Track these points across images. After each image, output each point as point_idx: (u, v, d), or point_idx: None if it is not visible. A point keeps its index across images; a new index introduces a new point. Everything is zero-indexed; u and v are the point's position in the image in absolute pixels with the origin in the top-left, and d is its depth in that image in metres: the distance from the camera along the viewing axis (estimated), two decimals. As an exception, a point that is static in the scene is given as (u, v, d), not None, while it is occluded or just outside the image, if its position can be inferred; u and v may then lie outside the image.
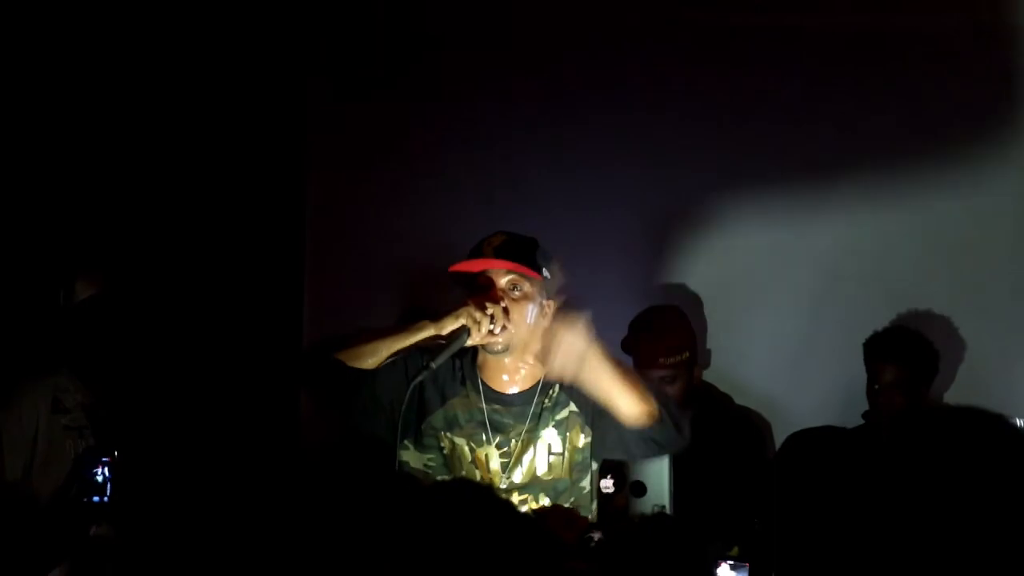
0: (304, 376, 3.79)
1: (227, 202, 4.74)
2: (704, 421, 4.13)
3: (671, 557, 3.16)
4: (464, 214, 4.46)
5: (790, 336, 4.54)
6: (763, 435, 4.35)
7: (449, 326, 3.27)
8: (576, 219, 4.41)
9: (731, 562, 3.16)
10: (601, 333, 3.35)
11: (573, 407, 3.36)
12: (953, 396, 4.32)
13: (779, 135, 4.56)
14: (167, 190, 4.70)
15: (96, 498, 3.37)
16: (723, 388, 4.44)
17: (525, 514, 2.87)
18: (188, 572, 3.62)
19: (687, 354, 4.11)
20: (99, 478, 3.37)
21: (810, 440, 2.53)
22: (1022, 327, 4.40)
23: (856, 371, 4.23)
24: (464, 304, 3.28)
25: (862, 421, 4.19)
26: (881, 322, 4.33)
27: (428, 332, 3.29)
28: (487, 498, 2.19)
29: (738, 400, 4.45)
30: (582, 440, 3.35)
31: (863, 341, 4.23)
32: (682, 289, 4.50)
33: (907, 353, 4.16)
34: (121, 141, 4.67)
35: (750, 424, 4.33)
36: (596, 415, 3.32)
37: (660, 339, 4.09)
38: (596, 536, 3.11)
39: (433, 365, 3.25)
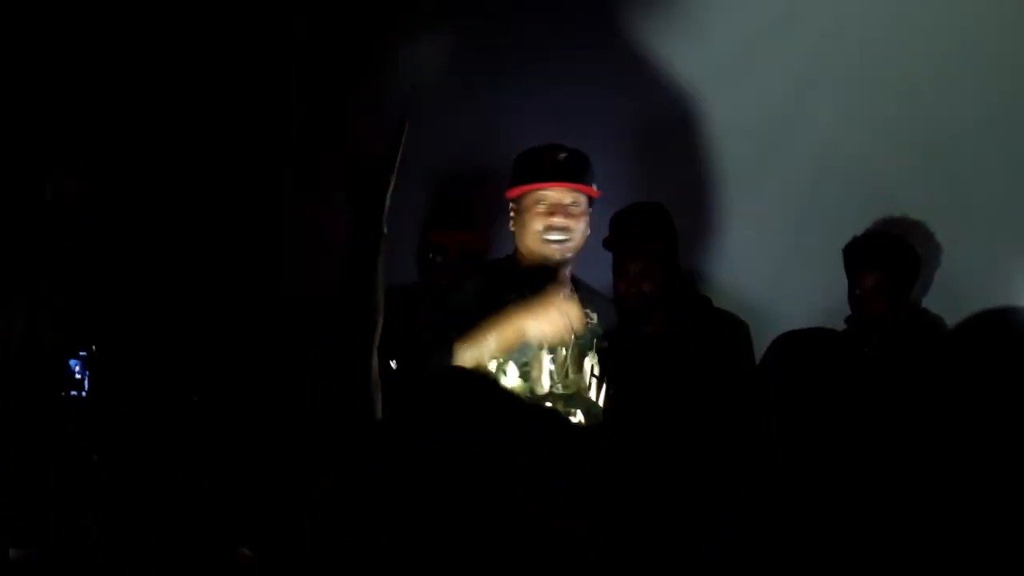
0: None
1: (214, 102, 4.74)
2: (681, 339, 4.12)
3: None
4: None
5: (774, 240, 4.55)
6: (740, 350, 4.33)
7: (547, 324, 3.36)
8: (560, 130, 4.36)
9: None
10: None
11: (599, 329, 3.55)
12: (932, 301, 4.35)
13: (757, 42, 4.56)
14: (156, 89, 4.69)
15: (74, 393, 3.37)
16: (705, 291, 4.44)
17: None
18: (168, 475, 3.63)
19: (663, 245, 4.07)
20: (76, 374, 3.37)
21: (801, 341, 2.50)
22: (1005, 231, 4.39)
23: (839, 277, 4.22)
24: (549, 297, 3.39)
25: (844, 327, 4.18)
26: (865, 226, 4.34)
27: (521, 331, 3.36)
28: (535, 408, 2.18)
29: (719, 304, 4.45)
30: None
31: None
32: (666, 191, 4.45)
33: (888, 258, 4.15)
34: (112, 46, 4.65)
35: (727, 340, 4.31)
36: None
37: (639, 226, 4.05)
38: None
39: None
